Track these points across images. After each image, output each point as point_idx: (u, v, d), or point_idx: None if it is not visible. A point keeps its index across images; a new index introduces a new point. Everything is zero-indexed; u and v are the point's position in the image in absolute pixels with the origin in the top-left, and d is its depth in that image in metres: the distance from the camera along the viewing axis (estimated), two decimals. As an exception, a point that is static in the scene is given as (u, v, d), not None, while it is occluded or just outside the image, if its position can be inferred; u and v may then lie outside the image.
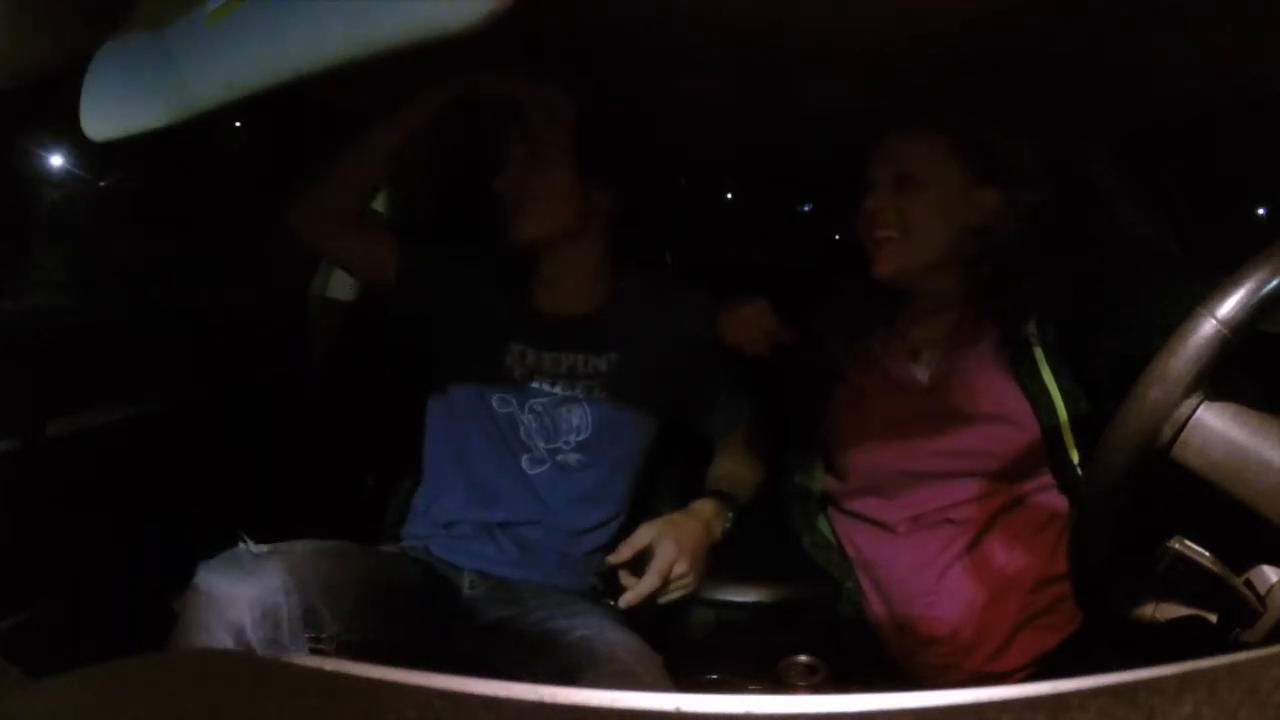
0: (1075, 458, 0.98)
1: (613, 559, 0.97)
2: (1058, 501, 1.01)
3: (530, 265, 1.14)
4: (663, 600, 0.96)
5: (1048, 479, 1.02)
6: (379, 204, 1.34)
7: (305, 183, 1.05)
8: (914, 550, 1.04)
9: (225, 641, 0.73)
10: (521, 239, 1.08)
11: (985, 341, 1.05)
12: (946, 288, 1.06)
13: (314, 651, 0.77)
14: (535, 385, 1.11)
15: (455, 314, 1.14)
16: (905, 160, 1.03)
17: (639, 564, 0.95)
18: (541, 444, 1.10)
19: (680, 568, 0.95)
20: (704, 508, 1.05)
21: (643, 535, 0.97)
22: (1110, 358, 0.94)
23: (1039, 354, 1.01)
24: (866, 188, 1.05)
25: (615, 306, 1.15)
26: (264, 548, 0.81)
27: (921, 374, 1.07)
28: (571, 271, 1.14)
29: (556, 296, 1.15)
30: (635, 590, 0.94)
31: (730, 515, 1.06)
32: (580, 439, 1.10)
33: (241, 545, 0.81)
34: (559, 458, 1.10)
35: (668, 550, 0.95)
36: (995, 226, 1.02)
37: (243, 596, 0.74)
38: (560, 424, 1.10)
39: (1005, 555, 1.00)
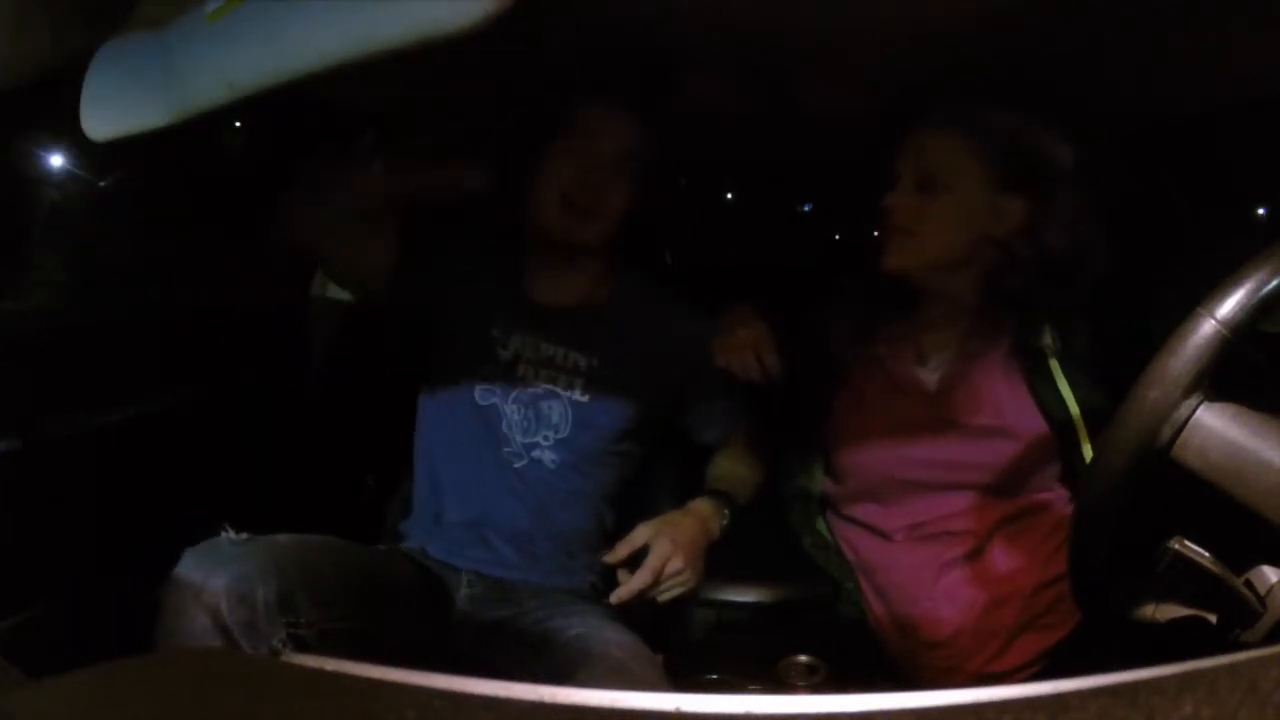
0: None
1: (609, 558, 0.97)
2: (1062, 512, 1.00)
3: (532, 258, 1.15)
4: (661, 598, 0.96)
5: (1050, 493, 1.01)
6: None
7: (306, 188, 1.07)
8: (911, 556, 1.03)
9: (203, 625, 0.74)
10: (582, 238, 1.09)
11: (998, 350, 1.03)
12: (959, 291, 1.03)
13: (292, 637, 0.77)
14: (519, 374, 1.11)
15: (452, 308, 1.15)
16: (929, 161, 1.00)
17: (637, 563, 0.95)
18: (519, 438, 1.10)
19: (675, 565, 0.95)
20: (702, 506, 1.05)
21: (639, 534, 0.97)
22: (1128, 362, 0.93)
23: (1054, 365, 0.99)
24: (893, 181, 1.02)
25: (609, 307, 1.15)
26: (244, 536, 0.82)
27: (928, 378, 1.06)
28: (576, 273, 1.15)
29: (553, 294, 1.15)
30: (627, 586, 0.94)
31: (728, 514, 1.06)
32: (559, 437, 1.10)
33: (222, 534, 0.81)
34: (535, 454, 1.10)
35: (662, 547, 0.95)
36: (1020, 244, 0.97)
37: (219, 581, 0.75)
38: (540, 419, 1.10)
39: (1006, 563, 1.00)
